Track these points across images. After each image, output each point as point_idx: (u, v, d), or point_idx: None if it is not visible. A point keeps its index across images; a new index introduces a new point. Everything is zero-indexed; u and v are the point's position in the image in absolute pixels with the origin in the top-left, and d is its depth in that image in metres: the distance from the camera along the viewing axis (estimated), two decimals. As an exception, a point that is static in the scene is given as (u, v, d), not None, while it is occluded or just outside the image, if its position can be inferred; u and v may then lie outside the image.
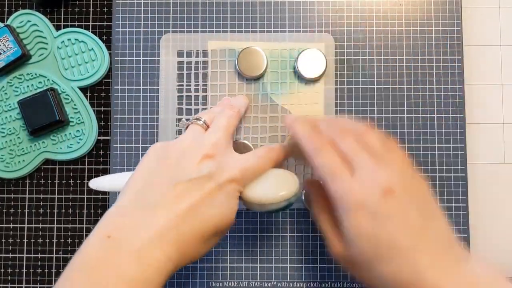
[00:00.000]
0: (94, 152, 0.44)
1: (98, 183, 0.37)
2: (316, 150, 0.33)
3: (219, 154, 0.34)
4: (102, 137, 0.44)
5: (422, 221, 0.31)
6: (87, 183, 0.44)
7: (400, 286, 0.30)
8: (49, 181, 0.44)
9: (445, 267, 0.29)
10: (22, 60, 0.43)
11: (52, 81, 0.43)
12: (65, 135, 0.43)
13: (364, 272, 0.32)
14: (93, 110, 0.44)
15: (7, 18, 0.44)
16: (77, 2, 0.45)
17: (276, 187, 0.35)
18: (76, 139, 0.43)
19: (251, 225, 0.43)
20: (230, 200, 0.33)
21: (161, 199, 0.31)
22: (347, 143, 0.33)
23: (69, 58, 0.43)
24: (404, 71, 0.44)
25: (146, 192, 0.31)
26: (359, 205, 0.30)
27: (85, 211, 0.44)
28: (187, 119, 0.38)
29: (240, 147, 0.42)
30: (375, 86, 0.43)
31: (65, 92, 0.43)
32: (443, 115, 0.43)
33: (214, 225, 0.32)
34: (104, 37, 0.45)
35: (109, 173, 0.43)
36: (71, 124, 0.43)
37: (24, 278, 0.43)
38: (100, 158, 0.44)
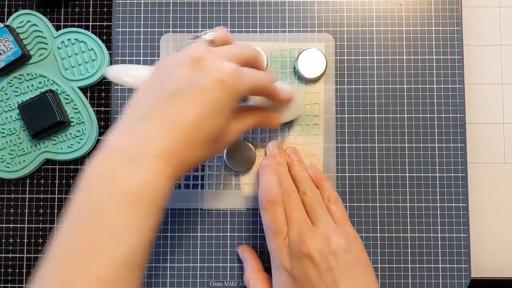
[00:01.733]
0: (94, 152, 0.44)
1: (115, 74, 0.36)
2: (267, 204, 0.37)
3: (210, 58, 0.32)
4: (102, 137, 0.44)
5: None
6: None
7: None
8: (49, 181, 0.44)
9: None
10: (22, 60, 0.43)
11: (52, 81, 0.43)
12: (66, 135, 0.43)
13: None
14: (93, 110, 0.44)
15: (7, 18, 0.44)
16: (77, 2, 0.45)
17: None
18: (77, 139, 0.43)
19: (251, 225, 0.43)
20: (216, 104, 0.31)
21: (147, 110, 0.31)
22: (292, 199, 0.37)
23: (69, 58, 0.43)
24: (404, 71, 0.44)
25: (139, 104, 0.32)
26: (284, 267, 0.35)
27: (85, 211, 0.44)
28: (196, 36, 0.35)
29: (240, 147, 0.42)
30: (375, 86, 0.43)
31: (65, 92, 0.43)
32: (443, 115, 0.43)
33: (201, 130, 0.31)
34: (104, 37, 0.45)
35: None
36: (71, 124, 0.43)
37: (24, 278, 0.43)
38: (100, 158, 0.44)
